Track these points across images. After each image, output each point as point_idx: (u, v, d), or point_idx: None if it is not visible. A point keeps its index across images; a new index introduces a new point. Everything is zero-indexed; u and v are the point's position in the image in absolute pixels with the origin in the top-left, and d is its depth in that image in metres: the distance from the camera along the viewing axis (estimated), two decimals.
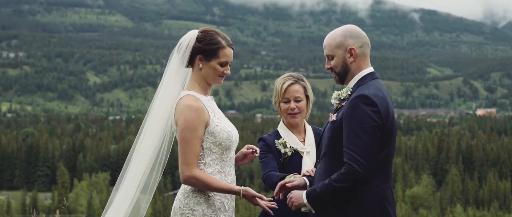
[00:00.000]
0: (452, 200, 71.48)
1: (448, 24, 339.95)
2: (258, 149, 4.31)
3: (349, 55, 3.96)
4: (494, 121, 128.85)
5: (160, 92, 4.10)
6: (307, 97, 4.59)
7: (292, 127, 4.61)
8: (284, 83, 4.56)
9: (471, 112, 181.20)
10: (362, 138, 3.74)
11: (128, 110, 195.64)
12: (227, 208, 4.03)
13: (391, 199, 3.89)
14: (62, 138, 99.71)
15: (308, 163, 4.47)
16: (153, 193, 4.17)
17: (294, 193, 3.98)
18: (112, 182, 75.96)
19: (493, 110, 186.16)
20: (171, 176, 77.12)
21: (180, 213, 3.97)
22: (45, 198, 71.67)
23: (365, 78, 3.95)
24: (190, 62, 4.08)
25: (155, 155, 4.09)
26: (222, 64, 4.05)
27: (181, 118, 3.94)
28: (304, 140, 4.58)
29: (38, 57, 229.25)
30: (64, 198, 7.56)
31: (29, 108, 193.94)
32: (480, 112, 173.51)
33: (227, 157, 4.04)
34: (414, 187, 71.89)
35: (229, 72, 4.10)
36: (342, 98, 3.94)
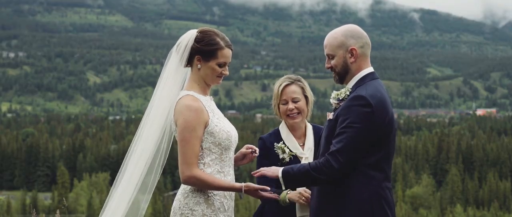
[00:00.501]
0: (452, 200, 71.48)
1: (448, 24, 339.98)
2: (257, 149, 4.30)
3: (350, 55, 3.96)
4: (494, 121, 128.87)
5: (158, 91, 4.10)
6: (306, 97, 4.56)
7: (293, 128, 4.58)
8: (280, 85, 4.55)
9: (471, 112, 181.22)
10: (348, 137, 3.76)
11: (128, 110, 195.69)
12: (226, 208, 4.03)
13: (390, 199, 3.89)
14: (62, 138, 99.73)
15: None
16: (152, 193, 4.17)
17: (273, 168, 4.02)
18: (112, 182, 75.59)
19: (493, 110, 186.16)
20: (171, 176, 77.13)
21: (180, 213, 3.97)
22: (45, 198, 71.66)
23: (364, 78, 3.95)
24: (189, 62, 4.08)
25: (154, 155, 4.09)
26: (221, 65, 4.05)
27: (181, 118, 3.94)
28: (303, 144, 4.56)
29: (38, 57, 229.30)
30: (64, 198, 7.56)
31: (29, 108, 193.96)
32: (480, 112, 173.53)
33: (226, 157, 4.04)
34: (414, 187, 71.89)
35: (227, 72, 4.09)
36: (340, 98, 3.95)
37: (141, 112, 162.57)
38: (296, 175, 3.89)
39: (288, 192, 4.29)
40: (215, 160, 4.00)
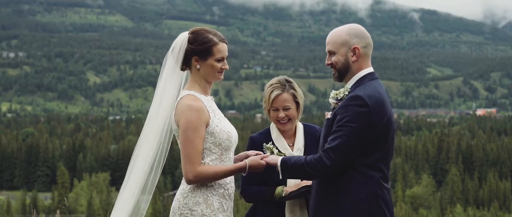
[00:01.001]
0: (452, 200, 71.47)
1: (448, 24, 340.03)
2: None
3: (352, 54, 3.97)
4: (494, 121, 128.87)
5: (158, 94, 4.12)
6: (297, 102, 4.54)
7: (283, 130, 4.59)
8: (272, 92, 4.51)
9: (471, 112, 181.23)
10: (342, 136, 3.79)
11: (128, 110, 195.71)
12: (225, 208, 4.04)
13: (388, 199, 3.90)
14: (62, 138, 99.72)
15: None
16: (152, 193, 4.18)
17: (273, 156, 4.09)
18: (112, 182, 75.99)
19: (493, 110, 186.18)
20: (171, 176, 77.14)
21: (179, 213, 3.98)
22: (45, 198, 71.66)
23: (364, 78, 3.97)
24: (187, 64, 4.09)
25: (154, 156, 4.11)
26: (219, 60, 4.05)
27: (183, 119, 3.95)
28: (293, 145, 4.57)
29: (38, 57, 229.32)
30: (64, 198, 7.57)
31: (29, 108, 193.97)
32: (480, 112, 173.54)
33: (226, 157, 4.05)
34: (414, 187, 71.88)
35: (227, 66, 4.10)
36: (339, 98, 3.97)
37: (141, 112, 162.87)
38: (292, 166, 3.94)
39: (284, 188, 4.33)
40: (215, 160, 4.01)
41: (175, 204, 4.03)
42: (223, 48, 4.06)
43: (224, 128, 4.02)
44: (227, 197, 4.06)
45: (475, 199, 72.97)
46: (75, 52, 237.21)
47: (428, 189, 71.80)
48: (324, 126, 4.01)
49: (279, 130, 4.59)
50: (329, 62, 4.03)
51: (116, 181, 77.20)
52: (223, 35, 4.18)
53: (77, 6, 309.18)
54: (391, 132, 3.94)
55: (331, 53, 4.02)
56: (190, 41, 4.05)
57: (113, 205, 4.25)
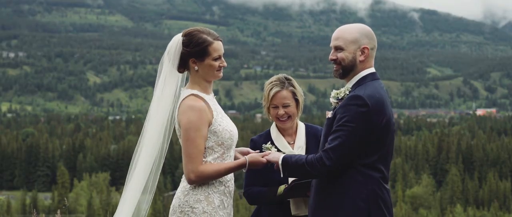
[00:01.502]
0: (452, 200, 71.47)
1: (448, 24, 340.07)
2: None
3: (360, 53, 3.98)
4: (494, 121, 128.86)
5: (156, 96, 4.12)
6: (296, 100, 4.54)
7: (283, 129, 4.59)
8: (271, 89, 4.52)
9: (471, 112, 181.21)
10: (342, 136, 3.80)
11: (128, 110, 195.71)
12: (226, 206, 4.05)
13: (387, 199, 3.91)
14: (62, 138, 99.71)
15: None
16: (153, 193, 4.19)
17: (274, 154, 4.09)
18: (112, 182, 76.00)
19: (493, 110, 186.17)
20: (171, 176, 77.15)
21: (180, 210, 3.99)
22: (45, 198, 71.65)
23: (365, 78, 3.98)
24: (185, 67, 4.09)
25: (154, 157, 4.11)
26: (216, 59, 4.05)
27: (185, 119, 3.96)
28: (294, 143, 4.57)
29: (38, 57, 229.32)
30: (64, 198, 7.57)
31: (29, 108, 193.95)
32: (480, 112, 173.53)
33: (227, 156, 4.07)
34: (414, 187, 71.87)
35: (225, 64, 4.11)
36: (340, 98, 3.98)
37: (141, 112, 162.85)
38: (293, 165, 3.96)
39: (285, 186, 4.33)
40: (217, 159, 4.03)
41: (175, 201, 4.04)
42: (218, 46, 4.06)
43: (226, 127, 4.04)
44: (227, 194, 4.07)
45: (475, 199, 72.96)
46: (75, 52, 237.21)
47: (428, 189, 71.79)
48: (325, 125, 4.02)
49: (279, 129, 4.59)
50: (334, 57, 4.02)
51: (116, 181, 77.22)
52: (222, 35, 4.18)
53: (77, 6, 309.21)
54: (391, 132, 3.95)
55: (339, 48, 4.02)
56: (185, 44, 4.05)
57: (113, 205, 4.27)
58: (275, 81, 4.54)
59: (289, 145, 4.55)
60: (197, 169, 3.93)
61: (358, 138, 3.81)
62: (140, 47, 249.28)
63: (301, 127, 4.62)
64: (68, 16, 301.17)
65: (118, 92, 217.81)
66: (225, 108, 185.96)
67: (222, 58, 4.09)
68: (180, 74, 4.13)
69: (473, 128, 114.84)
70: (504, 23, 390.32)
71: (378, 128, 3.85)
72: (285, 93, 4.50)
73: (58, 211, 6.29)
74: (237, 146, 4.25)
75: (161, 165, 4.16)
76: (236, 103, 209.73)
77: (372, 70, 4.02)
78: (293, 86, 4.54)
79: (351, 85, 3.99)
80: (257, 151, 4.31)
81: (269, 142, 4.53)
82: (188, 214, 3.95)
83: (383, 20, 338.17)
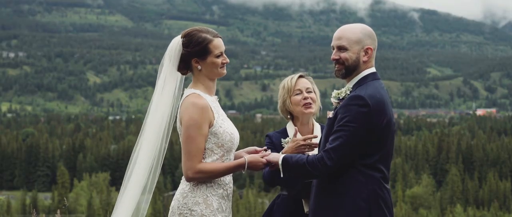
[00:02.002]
0: (452, 200, 71.47)
1: (448, 24, 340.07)
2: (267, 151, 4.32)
3: (364, 53, 3.99)
4: (494, 121, 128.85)
5: (155, 97, 4.12)
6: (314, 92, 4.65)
7: (301, 124, 4.62)
8: (292, 78, 4.63)
9: (471, 112, 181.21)
10: (343, 136, 3.81)
11: (128, 110, 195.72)
12: (224, 209, 4.05)
13: (388, 199, 3.92)
14: (62, 138, 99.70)
15: None
16: (152, 193, 4.18)
17: (274, 154, 4.08)
18: (112, 182, 75.98)
19: (493, 110, 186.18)
20: (171, 176, 77.12)
21: (178, 213, 3.99)
22: (45, 198, 71.65)
23: (366, 78, 3.98)
24: (187, 68, 4.10)
25: (153, 156, 4.11)
26: (218, 56, 4.06)
27: (186, 116, 3.96)
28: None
29: (38, 57, 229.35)
30: (64, 198, 7.57)
31: (29, 108, 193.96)
32: (480, 112, 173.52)
33: (227, 159, 4.06)
34: (414, 187, 71.87)
35: (227, 60, 4.11)
36: (340, 98, 3.99)
37: (141, 112, 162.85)
38: (293, 165, 3.95)
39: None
40: (216, 161, 4.02)
41: (174, 203, 4.03)
42: (219, 43, 4.06)
43: (227, 130, 4.03)
44: (225, 198, 4.06)
45: (475, 199, 72.96)
46: (75, 52, 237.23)
47: (428, 189, 71.79)
48: (326, 125, 4.03)
49: (298, 127, 4.59)
50: (337, 57, 4.02)
51: (116, 181, 77.20)
52: (222, 35, 4.18)
53: (77, 6, 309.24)
54: (391, 133, 3.95)
55: (342, 48, 4.01)
56: (185, 45, 4.05)
57: (113, 205, 4.25)
58: (293, 74, 4.69)
59: None
60: (195, 167, 3.93)
61: (359, 138, 3.81)
62: (140, 47, 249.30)
63: (317, 126, 4.67)
64: (68, 16, 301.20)
65: (118, 92, 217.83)
66: (225, 108, 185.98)
67: (224, 55, 4.10)
68: (180, 75, 4.13)
69: (473, 128, 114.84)
70: (504, 23, 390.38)
71: (379, 128, 3.85)
72: (306, 80, 4.63)
73: (58, 211, 6.29)
74: (238, 149, 4.23)
75: (160, 165, 4.15)
76: (236, 103, 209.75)
77: (372, 70, 4.02)
78: (311, 79, 4.70)
79: (352, 85, 3.99)
80: (253, 149, 4.27)
81: (288, 138, 4.56)
82: (186, 216, 3.95)
83: (383, 20, 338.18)
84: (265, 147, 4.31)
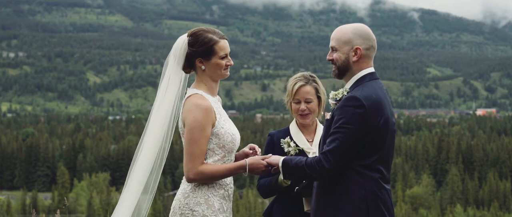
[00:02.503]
0: (452, 200, 71.49)
1: (448, 24, 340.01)
2: (259, 150, 4.31)
3: (353, 53, 3.97)
4: (494, 121, 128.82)
5: (159, 96, 4.11)
6: (318, 97, 4.61)
7: (303, 126, 4.64)
8: (295, 83, 4.59)
9: (471, 112, 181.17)
10: (340, 137, 3.80)
11: (128, 110, 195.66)
12: (225, 209, 4.05)
13: (387, 200, 3.91)
14: (62, 138, 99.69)
15: None
16: (154, 193, 4.19)
17: (274, 156, 4.07)
18: (112, 182, 75.99)
19: (493, 110, 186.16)
20: (171, 176, 77.15)
21: (180, 213, 3.99)
22: (45, 198, 71.67)
23: (363, 78, 3.97)
24: (191, 67, 4.10)
25: (155, 156, 4.11)
26: (223, 58, 4.05)
27: (190, 117, 3.95)
28: (312, 141, 4.62)
29: (38, 57, 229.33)
30: (64, 198, 7.58)
31: (29, 108, 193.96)
32: (480, 112, 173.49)
33: (228, 159, 4.07)
34: (414, 187, 71.87)
35: (231, 62, 4.11)
36: (338, 99, 3.97)
37: (141, 112, 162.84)
38: (293, 167, 3.96)
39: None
40: (217, 162, 4.02)
41: (175, 203, 4.03)
42: (225, 45, 4.06)
43: (229, 131, 4.03)
44: (226, 198, 4.07)
45: (475, 199, 72.98)
46: (75, 52, 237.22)
47: (428, 189, 71.79)
48: (324, 126, 4.02)
49: (299, 126, 4.64)
50: (330, 57, 4.04)
51: (116, 181, 77.23)
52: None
53: (77, 6, 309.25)
54: (390, 133, 3.94)
55: (334, 49, 4.02)
56: (191, 44, 4.04)
57: (113, 205, 4.26)
58: (299, 77, 4.63)
59: (308, 142, 4.59)
60: (196, 169, 3.93)
61: (356, 140, 3.80)
62: (140, 47, 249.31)
63: (320, 127, 4.67)
64: (68, 16, 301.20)
65: (118, 92, 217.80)
66: (225, 108, 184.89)
67: (229, 57, 4.09)
68: (184, 75, 4.12)
69: (473, 128, 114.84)
70: (504, 23, 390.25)
71: (375, 128, 3.84)
72: (309, 88, 4.57)
73: (58, 211, 6.30)
74: (238, 149, 4.24)
75: (163, 164, 4.15)
76: (236, 103, 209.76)
77: (371, 70, 4.00)
78: (317, 83, 4.62)
79: (349, 85, 3.99)
80: (251, 146, 4.28)
81: (288, 137, 4.58)
82: (188, 216, 3.95)
83: (383, 20, 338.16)
84: (258, 149, 4.28)
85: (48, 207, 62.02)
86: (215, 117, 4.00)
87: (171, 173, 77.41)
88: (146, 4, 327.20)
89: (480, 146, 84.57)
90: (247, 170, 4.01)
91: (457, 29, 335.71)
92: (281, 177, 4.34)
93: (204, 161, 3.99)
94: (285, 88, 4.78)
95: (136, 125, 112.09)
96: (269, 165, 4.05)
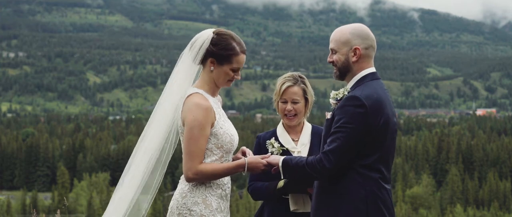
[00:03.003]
0: (452, 200, 71.49)
1: (448, 24, 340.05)
2: (250, 152, 4.31)
3: (353, 54, 3.97)
4: (494, 121, 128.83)
5: (168, 88, 4.09)
6: (306, 99, 4.59)
7: (289, 126, 4.63)
8: (283, 83, 4.58)
9: (471, 112, 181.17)
10: (341, 137, 3.80)
11: (128, 110, 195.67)
12: (223, 209, 4.05)
13: (387, 200, 3.90)
14: (62, 138, 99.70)
15: None
16: (155, 194, 4.18)
17: (274, 156, 4.08)
18: (112, 182, 75.93)
19: (493, 110, 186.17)
20: (171, 176, 77.13)
21: (178, 213, 3.99)
22: (45, 198, 71.67)
23: (364, 78, 3.97)
24: (202, 62, 4.07)
25: (159, 154, 4.09)
26: (234, 70, 4.05)
27: (190, 116, 3.93)
28: (298, 140, 4.61)
29: (38, 57, 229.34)
30: (64, 198, 7.58)
31: (29, 108, 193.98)
32: (480, 112, 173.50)
33: (226, 160, 4.06)
34: (414, 187, 71.88)
35: (239, 77, 4.10)
36: (338, 98, 3.97)
37: (141, 112, 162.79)
38: (293, 167, 3.95)
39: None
40: (215, 162, 4.01)
41: (173, 203, 4.03)
42: (242, 60, 4.05)
43: (227, 131, 4.02)
44: (224, 198, 4.06)
45: (475, 199, 72.99)
46: (75, 52, 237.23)
47: (428, 189, 71.80)
48: (324, 126, 4.02)
49: (285, 127, 4.64)
50: (331, 59, 4.04)
51: (116, 181, 75.96)
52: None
53: (77, 6, 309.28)
54: (391, 132, 3.93)
55: (333, 51, 4.03)
56: (213, 42, 4.02)
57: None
58: (288, 77, 4.61)
59: (293, 142, 4.58)
60: (196, 168, 3.92)
61: (357, 139, 3.80)
62: (140, 47, 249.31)
63: (307, 126, 4.67)
64: (68, 16, 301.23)
65: (118, 92, 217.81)
66: (225, 108, 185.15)
67: (239, 72, 4.08)
68: (196, 69, 4.08)
69: (473, 128, 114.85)
70: (504, 23, 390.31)
71: (376, 128, 3.84)
72: (296, 89, 4.56)
73: (58, 211, 6.30)
74: (237, 150, 4.23)
75: (166, 163, 4.12)
76: (236, 103, 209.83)
77: (371, 70, 4.00)
78: (305, 85, 4.60)
79: (350, 85, 3.99)
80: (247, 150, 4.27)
81: (273, 138, 4.57)
82: (185, 216, 3.94)
83: (383, 20, 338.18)
84: (249, 152, 4.27)
85: (48, 207, 62.03)
86: (215, 117, 3.99)
87: (171, 173, 77.40)
88: (146, 4, 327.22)
89: (480, 146, 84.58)
90: (245, 169, 4.00)
91: (457, 29, 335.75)
92: (281, 183, 4.35)
93: (203, 161, 3.98)
94: None
95: (136, 125, 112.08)
96: (269, 164, 4.04)
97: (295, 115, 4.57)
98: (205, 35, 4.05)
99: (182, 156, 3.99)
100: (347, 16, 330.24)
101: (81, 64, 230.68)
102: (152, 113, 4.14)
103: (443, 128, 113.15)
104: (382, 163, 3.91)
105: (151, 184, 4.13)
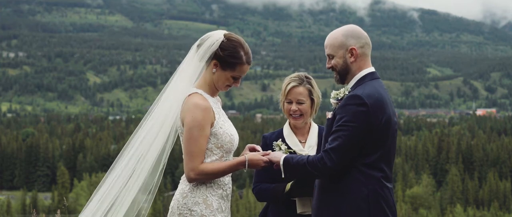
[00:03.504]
0: (452, 200, 71.50)
1: (448, 24, 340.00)
2: (259, 148, 4.30)
3: (350, 55, 3.98)
4: (494, 121, 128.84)
5: (172, 85, 4.08)
6: (312, 99, 4.57)
7: (296, 127, 4.62)
8: (289, 83, 4.56)
9: (471, 112, 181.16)
10: (342, 136, 3.80)
11: (128, 110, 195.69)
12: (223, 209, 4.05)
13: (389, 199, 3.91)
14: (62, 138, 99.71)
15: None
16: (154, 194, 4.18)
17: (276, 153, 4.07)
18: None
19: (493, 110, 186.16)
20: (171, 176, 77.14)
21: (178, 213, 3.99)
22: (45, 198, 71.69)
23: (364, 78, 3.98)
24: (207, 62, 4.07)
25: (159, 154, 4.09)
26: (235, 78, 4.06)
27: (189, 117, 3.94)
28: (305, 142, 4.59)
29: (38, 57, 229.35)
30: (64, 198, 7.59)
31: (29, 108, 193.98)
32: (480, 112, 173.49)
33: (226, 160, 4.06)
34: (414, 187, 71.90)
35: (238, 85, 4.11)
36: (339, 98, 3.98)
37: (141, 112, 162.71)
38: (294, 166, 3.95)
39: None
40: (215, 161, 4.01)
41: (173, 203, 4.03)
42: (245, 70, 4.06)
43: (227, 131, 4.03)
44: (225, 198, 4.07)
45: (475, 199, 73.00)
46: (75, 52, 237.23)
47: (428, 189, 71.82)
48: (325, 126, 4.03)
49: (292, 128, 4.62)
50: (330, 65, 4.04)
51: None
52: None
53: (77, 6, 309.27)
54: (392, 131, 3.95)
55: (330, 56, 4.03)
56: (222, 47, 4.03)
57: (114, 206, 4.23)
58: (294, 77, 4.59)
59: (300, 144, 4.56)
60: (197, 168, 3.92)
61: (358, 138, 3.81)
62: (140, 47, 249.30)
63: (314, 127, 4.65)
64: (68, 16, 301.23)
65: (118, 92, 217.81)
66: (225, 108, 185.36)
67: (239, 81, 4.09)
68: (201, 67, 4.08)
69: (473, 128, 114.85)
70: (504, 23, 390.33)
71: (378, 127, 3.85)
72: (302, 89, 4.53)
73: (58, 211, 6.30)
74: (237, 148, 4.22)
75: (164, 164, 4.12)
76: (236, 103, 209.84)
77: (371, 69, 4.02)
78: (311, 85, 4.57)
79: (351, 85, 4.00)
80: (252, 146, 4.26)
81: (280, 139, 4.55)
82: (186, 216, 3.94)
83: (383, 20, 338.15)
84: (258, 148, 4.28)
85: (48, 207, 62.05)
86: (214, 117, 3.99)
87: (171, 173, 77.42)
88: (146, 4, 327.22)
89: (480, 146, 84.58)
90: (246, 166, 4.00)
91: (457, 29, 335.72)
92: (289, 185, 4.34)
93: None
94: None
95: (136, 125, 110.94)
96: (270, 162, 4.04)
97: (301, 115, 4.54)
98: (216, 37, 4.06)
99: (183, 156, 3.99)
100: (347, 16, 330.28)
101: (81, 64, 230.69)
102: (154, 111, 4.11)
103: (443, 128, 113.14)
104: (384, 161, 3.92)
105: (151, 185, 4.12)
